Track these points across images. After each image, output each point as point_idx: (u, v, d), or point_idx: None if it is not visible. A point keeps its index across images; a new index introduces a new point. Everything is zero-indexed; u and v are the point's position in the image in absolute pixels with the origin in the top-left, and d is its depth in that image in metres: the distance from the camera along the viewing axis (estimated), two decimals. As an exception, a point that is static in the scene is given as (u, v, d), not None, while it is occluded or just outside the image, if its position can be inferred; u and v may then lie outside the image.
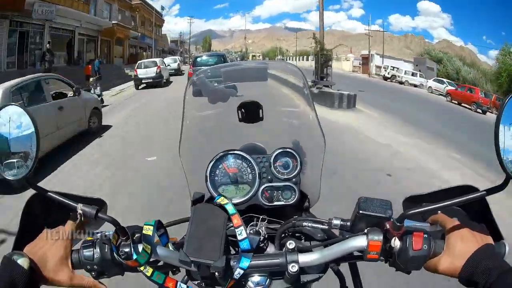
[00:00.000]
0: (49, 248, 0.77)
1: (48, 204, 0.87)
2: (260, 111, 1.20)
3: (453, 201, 0.71)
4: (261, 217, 0.95)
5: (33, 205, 0.88)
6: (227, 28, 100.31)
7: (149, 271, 0.77)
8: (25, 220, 0.87)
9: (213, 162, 1.10)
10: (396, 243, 0.74)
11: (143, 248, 0.76)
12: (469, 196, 0.71)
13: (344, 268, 0.95)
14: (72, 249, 0.81)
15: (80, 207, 0.80)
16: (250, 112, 1.20)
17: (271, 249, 0.91)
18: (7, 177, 0.80)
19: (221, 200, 0.86)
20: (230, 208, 0.84)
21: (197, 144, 1.28)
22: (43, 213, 0.89)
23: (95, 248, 0.80)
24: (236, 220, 0.82)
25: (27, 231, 0.84)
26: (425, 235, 0.75)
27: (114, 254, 0.78)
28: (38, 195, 0.85)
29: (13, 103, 0.84)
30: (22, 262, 0.71)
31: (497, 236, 0.77)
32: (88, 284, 0.80)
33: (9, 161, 0.80)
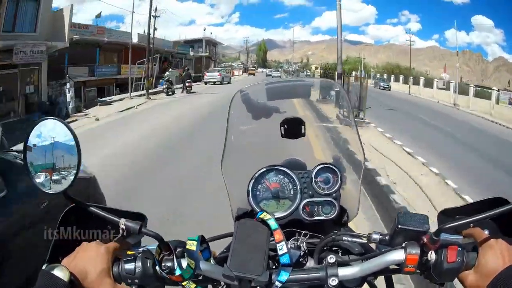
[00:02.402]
0: (89, 261, 0.75)
1: (85, 217, 0.86)
2: (303, 127, 1.21)
3: (487, 214, 0.72)
4: (303, 232, 0.96)
5: (70, 217, 0.89)
6: (287, 39, 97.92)
7: (191, 286, 0.78)
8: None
9: (255, 177, 1.13)
10: (432, 256, 0.75)
11: (188, 264, 0.78)
12: (503, 209, 0.71)
13: (378, 281, 0.95)
14: (113, 262, 0.80)
15: (123, 222, 0.80)
16: (293, 128, 1.21)
17: (310, 263, 0.93)
18: (46, 191, 0.81)
19: (263, 216, 0.87)
20: (273, 223, 0.85)
21: (240, 159, 1.28)
22: (80, 226, 0.89)
23: (137, 262, 0.80)
24: (278, 235, 0.82)
25: (63, 245, 0.84)
26: (459, 248, 0.75)
27: (157, 268, 0.79)
28: (75, 207, 0.86)
29: (52, 117, 0.83)
30: (62, 275, 0.68)
31: None
32: None
33: (49, 174, 0.81)
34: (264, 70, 78.48)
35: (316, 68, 76.01)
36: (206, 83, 36.69)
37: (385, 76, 51.58)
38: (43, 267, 0.71)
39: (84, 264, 0.73)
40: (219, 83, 36.17)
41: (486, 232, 0.77)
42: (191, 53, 48.84)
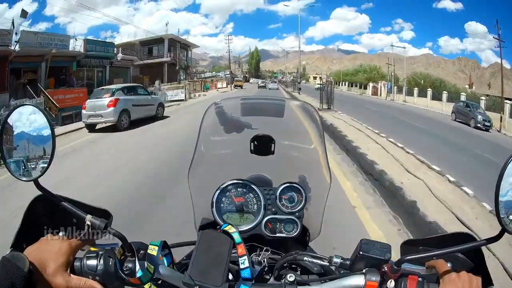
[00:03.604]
0: (50, 254, 0.76)
1: (52, 207, 0.86)
2: (272, 145, 1.24)
3: (450, 249, 0.75)
4: (264, 248, 0.99)
5: (37, 206, 0.88)
6: (280, 49, 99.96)
7: None
8: (27, 221, 0.86)
9: (220, 189, 1.15)
10: (391, 285, 0.77)
11: (146, 268, 0.78)
12: (469, 245, 0.75)
13: None
14: (75, 256, 0.81)
15: (89, 219, 0.80)
16: (262, 145, 1.24)
17: (270, 279, 0.95)
18: (18, 178, 0.80)
19: (228, 228, 0.90)
20: (237, 237, 0.88)
21: (207, 170, 1.29)
22: (47, 215, 0.89)
23: (99, 260, 0.80)
24: (241, 249, 0.85)
25: (28, 232, 0.84)
26: (420, 279, 0.77)
27: (118, 268, 0.79)
28: (43, 197, 0.84)
29: (30, 104, 0.83)
30: (22, 264, 0.70)
31: (488, 282, 0.79)
32: (86, 285, 0.79)
33: (21, 161, 0.81)
34: (257, 80, 73.35)
35: (315, 78, 73.92)
36: (87, 126, 13.91)
37: (397, 88, 45.34)
38: (5, 254, 0.72)
39: (45, 256, 0.75)
40: (113, 122, 13.47)
41: (449, 265, 0.79)
42: (119, 55, 32.93)
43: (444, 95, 33.71)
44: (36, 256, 0.75)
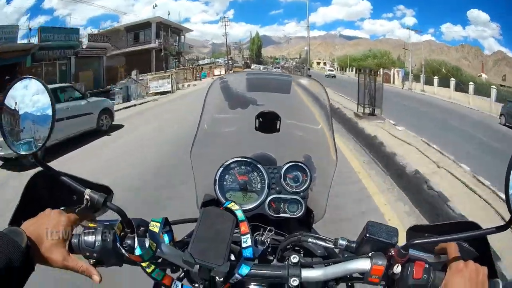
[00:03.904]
0: (49, 227, 0.75)
1: (52, 183, 0.85)
2: (278, 122, 1.22)
3: (457, 236, 0.75)
4: (268, 228, 0.97)
5: (36, 182, 0.88)
6: (282, 35, 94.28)
7: (150, 267, 0.78)
8: (26, 196, 0.86)
9: (224, 166, 1.13)
10: (398, 269, 0.76)
11: (149, 245, 0.77)
12: (476, 233, 0.74)
13: None
14: (73, 233, 0.79)
15: (88, 193, 0.79)
16: (268, 122, 1.21)
17: (272, 260, 0.94)
18: (16, 152, 0.79)
19: (231, 206, 0.88)
20: (240, 215, 0.86)
21: (210, 147, 1.26)
22: (46, 192, 0.88)
23: (97, 236, 0.78)
24: (244, 227, 0.84)
25: (26, 208, 0.83)
26: (426, 265, 0.76)
27: (117, 245, 0.78)
28: (43, 173, 0.85)
29: (32, 77, 0.81)
30: (20, 239, 0.69)
31: (493, 273, 0.78)
32: (82, 269, 0.78)
33: (21, 135, 0.79)
34: (258, 66, 67.79)
35: (318, 63, 71.80)
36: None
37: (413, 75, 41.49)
38: (2, 230, 0.72)
39: (43, 230, 0.75)
40: None
41: (457, 254, 0.79)
42: (85, 43, 26.94)
43: (471, 86, 29.32)
44: (34, 230, 0.74)
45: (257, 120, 1.22)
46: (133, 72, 25.41)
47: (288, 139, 1.32)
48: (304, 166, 1.14)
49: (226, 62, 60.09)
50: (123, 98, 22.44)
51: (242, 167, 1.14)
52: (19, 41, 22.57)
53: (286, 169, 1.13)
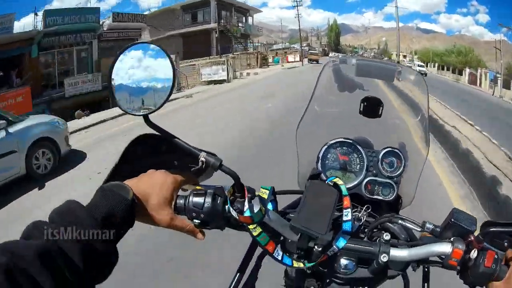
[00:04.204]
0: (153, 186, 0.75)
1: (156, 146, 0.88)
2: (381, 108, 1.24)
3: None
4: (365, 206, 1.00)
5: (140, 143, 0.87)
6: (360, 24, 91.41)
7: (257, 230, 0.80)
8: (126, 158, 0.85)
9: (327, 146, 1.16)
10: (474, 255, 0.78)
11: (259, 208, 0.80)
12: None
13: (411, 275, 0.97)
14: (179, 194, 0.81)
15: (203, 155, 0.80)
16: (371, 107, 1.24)
17: (363, 237, 0.96)
18: (127, 111, 0.79)
19: (336, 180, 0.92)
20: (344, 189, 0.89)
21: (315, 126, 1.32)
22: (147, 155, 0.89)
23: (207, 198, 0.80)
24: (347, 201, 0.87)
25: (125, 170, 0.83)
26: (496, 256, 0.78)
27: (227, 207, 0.81)
28: (145, 136, 0.86)
29: (150, 42, 0.81)
30: (125, 192, 0.69)
31: None
32: (189, 229, 0.80)
33: (134, 96, 0.79)
34: (336, 54, 61.28)
35: (397, 55, 64.11)
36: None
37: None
38: (103, 184, 0.71)
39: (148, 188, 0.74)
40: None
41: None
42: (106, 24, 22.36)
43: None
44: (138, 187, 0.73)
45: (362, 104, 1.24)
46: (173, 56, 20.18)
47: (386, 126, 1.36)
48: (400, 153, 1.17)
49: (301, 48, 53.80)
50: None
51: (344, 147, 1.18)
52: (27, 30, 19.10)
53: (383, 154, 1.16)
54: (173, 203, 0.78)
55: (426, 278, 1.02)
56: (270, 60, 45.39)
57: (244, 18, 38.80)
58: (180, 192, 0.82)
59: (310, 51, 50.97)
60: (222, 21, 32.46)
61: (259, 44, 44.96)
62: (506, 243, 0.84)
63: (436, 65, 51.09)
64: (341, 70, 1.34)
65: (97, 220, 0.64)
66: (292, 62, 42.22)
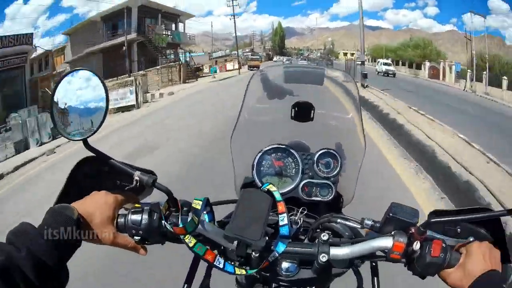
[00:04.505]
0: (97, 206, 0.80)
1: (98, 169, 0.91)
2: (312, 111, 1.26)
3: (473, 216, 0.80)
4: (301, 209, 1.02)
5: (83, 166, 0.91)
6: (305, 26, 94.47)
7: (192, 241, 0.82)
8: (71, 180, 0.88)
9: (261, 153, 1.19)
10: (417, 246, 0.80)
11: (191, 218, 0.82)
12: (488, 214, 0.80)
13: (363, 269, 1.00)
14: (119, 213, 0.84)
15: (137, 174, 0.82)
16: (302, 111, 1.26)
17: (304, 240, 0.99)
18: (68, 138, 0.83)
19: (270, 187, 0.92)
20: (277, 195, 0.90)
21: (249, 134, 1.33)
22: (91, 177, 0.91)
23: (144, 214, 0.83)
24: (281, 207, 0.88)
25: (71, 192, 0.86)
26: (444, 245, 0.80)
27: (163, 222, 0.83)
28: (88, 158, 0.89)
29: (85, 68, 0.85)
30: (71, 213, 0.74)
31: (506, 258, 0.83)
32: (131, 245, 0.84)
33: (72, 122, 0.83)
34: (282, 58, 63.73)
35: (345, 54, 67.15)
36: None
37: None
38: (52, 206, 0.77)
39: (91, 209, 0.79)
40: None
41: (471, 238, 0.84)
42: None
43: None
44: (84, 209, 0.77)
45: (293, 110, 1.26)
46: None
47: (320, 127, 1.38)
48: (335, 153, 1.20)
49: (238, 54, 51.55)
50: (15, 146, 12.82)
51: (278, 153, 1.20)
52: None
53: (318, 156, 1.19)
54: (114, 222, 0.81)
55: (374, 272, 1.03)
56: (207, 70, 42.27)
57: (174, 25, 35.19)
58: (121, 211, 0.85)
59: (249, 57, 48.44)
60: (147, 29, 28.83)
61: (191, 54, 42.08)
62: (459, 229, 0.87)
63: (389, 60, 49.20)
64: (269, 78, 1.40)
65: (47, 240, 0.69)
66: (231, 70, 39.65)
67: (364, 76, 19.21)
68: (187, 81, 29.33)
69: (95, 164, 0.90)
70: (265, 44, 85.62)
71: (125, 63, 25.99)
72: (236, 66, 40.42)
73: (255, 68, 39.52)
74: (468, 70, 31.19)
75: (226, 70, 40.09)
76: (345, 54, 69.70)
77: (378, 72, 35.51)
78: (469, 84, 28.79)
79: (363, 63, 22.04)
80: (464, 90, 28.15)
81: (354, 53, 72.15)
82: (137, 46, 27.90)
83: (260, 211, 0.86)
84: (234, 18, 41.97)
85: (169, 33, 33.27)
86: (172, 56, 32.37)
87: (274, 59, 68.48)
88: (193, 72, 32.52)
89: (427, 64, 38.86)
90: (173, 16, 34.76)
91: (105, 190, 0.85)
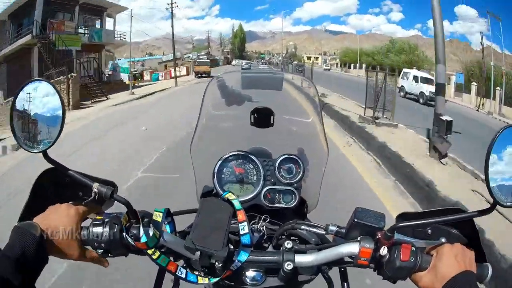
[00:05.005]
0: (60, 221, 0.79)
1: (59, 180, 0.91)
2: (272, 117, 1.27)
3: (443, 218, 0.79)
4: (263, 216, 1.02)
5: (44, 179, 0.92)
6: (267, 30, 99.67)
7: (155, 254, 0.82)
8: (35, 193, 0.90)
9: (221, 160, 1.18)
10: (384, 251, 0.79)
11: (153, 233, 0.81)
12: (459, 216, 0.79)
13: (333, 274, 1.00)
14: (82, 225, 0.84)
15: (96, 186, 0.83)
16: (262, 117, 1.26)
17: (269, 248, 0.99)
18: (27, 150, 0.83)
19: (229, 196, 0.92)
20: (237, 204, 0.90)
21: (209, 142, 1.33)
22: (54, 188, 0.93)
23: (104, 227, 0.82)
24: (241, 215, 0.88)
25: (35, 204, 0.87)
26: (413, 248, 0.80)
27: (124, 234, 0.82)
28: (51, 169, 0.89)
29: (41, 79, 0.86)
30: (34, 230, 0.74)
31: (481, 257, 0.83)
32: (96, 258, 0.84)
33: (31, 134, 0.83)
34: (241, 61, 62.61)
35: (309, 58, 67.84)
36: None
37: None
38: (16, 224, 0.77)
39: (55, 223, 0.79)
40: None
41: (443, 239, 0.85)
42: None
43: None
44: (46, 224, 0.77)
45: (252, 116, 1.27)
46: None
47: (282, 133, 1.37)
48: (297, 159, 1.19)
49: (201, 58, 49.69)
50: None
51: (239, 160, 1.19)
52: None
53: (280, 162, 1.18)
54: (77, 235, 0.80)
55: (344, 277, 1.02)
56: (148, 77, 36.07)
57: (100, 21, 27.89)
58: (84, 223, 0.84)
59: (197, 61, 42.79)
60: (49, 28, 22.15)
61: (146, 57, 37.76)
62: (429, 231, 0.87)
63: (363, 66, 46.06)
64: (226, 85, 1.40)
65: (12, 260, 0.68)
66: (179, 76, 33.91)
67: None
68: (83, 104, 19.38)
69: (57, 176, 0.90)
70: (223, 47, 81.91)
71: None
72: (184, 72, 34.53)
73: (204, 75, 33.66)
74: (473, 83, 27.20)
75: (171, 77, 34.42)
76: (309, 58, 68.55)
77: (407, 94, 23.71)
78: (478, 100, 24.42)
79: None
80: (477, 109, 23.41)
81: (318, 57, 70.35)
82: (39, 51, 21.24)
83: (221, 221, 0.85)
84: (172, 20, 34.65)
85: (86, 31, 26.16)
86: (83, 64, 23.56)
87: (233, 62, 66.60)
88: (103, 87, 22.77)
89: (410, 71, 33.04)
90: (97, 10, 27.12)
91: (68, 202, 0.85)
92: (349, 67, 49.51)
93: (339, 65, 58.75)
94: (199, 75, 34.98)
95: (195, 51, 67.44)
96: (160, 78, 37.11)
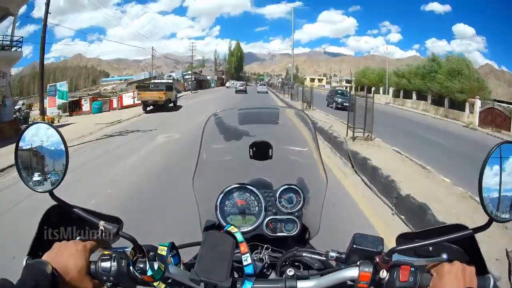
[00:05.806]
0: (68, 257, 0.82)
1: (67, 217, 0.93)
2: (270, 150, 1.30)
3: (441, 238, 0.81)
4: (265, 246, 1.06)
5: (51, 215, 0.95)
6: (266, 52, 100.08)
7: (161, 286, 0.86)
8: (42, 229, 0.93)
9: (223, 193, 1.21)
10: (383, 274, 0.81)
11: (158, 266, 0.85)
12: (456, 235, 0.80)
13: None
14: (90, 260, 0.86)
15: (102, 224, 0.86)
16: (261, 150, 1.30)
17: (272, 275, 1.01)
18: (34, 190, 0.86)
19: (231, 229, 0.94)
20: (239, 236, 0.92)
21: (210, 176, 1.34)
22: (61, 225, 0.95)
23: (112, 261, 0.86)
24: (243, 247, 0.90)
25: (43, 239, 0.91)
26: (412, 269, 0.82)
27: (131, 268, 0.86)
28: (57, 206, 0.91)
29: (43, 122, 0.92)
30: (46, 268, 0.76)
31: (483, 270, 0.84)
32: None
33: (37, 174, 0.86)
34: (236, 83, 55.68)
35: (313, 80, 64.07)
36: None
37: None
38: (25, 260, 0.83)
39: (64, 261, 0.82)
40: None
41: (444, 256, 0.85)
42: None
43: None
44: (56, 261, 0.80)
45: (251, 150, 1.30)
46: None
47: (281, 164, 1.38)
48: (297, 188, 1.21)
49: (186, 78, 48.29)
50: None
51: (240, 192, 1.21)
52: None
53: (280, 192, 1.20)
54: (86, 270, 0.83)
55: None
56: (87, 106, 25.45)
57: None
58: (92, 257, 0.87)
59: (141, 84, 32.58)
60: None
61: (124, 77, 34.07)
62: (430, 248, 0.89)
63: (390, 91, 39.31)
64: (223, 121, 1.43)
65: None
66: (127, 106, 26.27)
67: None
68: None
69: (63, 212, 0.91)
70: (218, 67, 73.53)
71: None
72: (161, 96, 22.56)
73: (150, 107, 22.76)
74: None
75: (122, 106, 24.82)
76: (312, 80, 64.23)
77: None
78: None
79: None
80: None
81: (323, 79, 63.40)
82: None
83: (224, 253, 0.87)
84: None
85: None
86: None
87: (227, 84, 61.47)
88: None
89: (478, 103, 24.32)
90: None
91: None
92: (369, 92, 39.58)
93: (353, 88, 49.26)
94: (148, 106, 23.34)
95: (188, 70, 59.85)
96: (106, 107, 26.66)
